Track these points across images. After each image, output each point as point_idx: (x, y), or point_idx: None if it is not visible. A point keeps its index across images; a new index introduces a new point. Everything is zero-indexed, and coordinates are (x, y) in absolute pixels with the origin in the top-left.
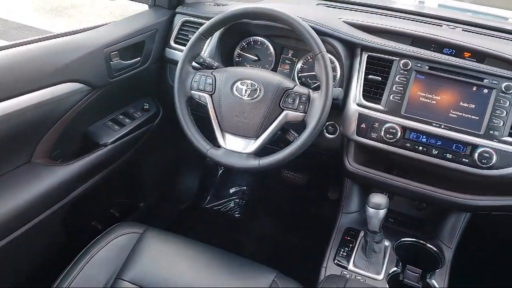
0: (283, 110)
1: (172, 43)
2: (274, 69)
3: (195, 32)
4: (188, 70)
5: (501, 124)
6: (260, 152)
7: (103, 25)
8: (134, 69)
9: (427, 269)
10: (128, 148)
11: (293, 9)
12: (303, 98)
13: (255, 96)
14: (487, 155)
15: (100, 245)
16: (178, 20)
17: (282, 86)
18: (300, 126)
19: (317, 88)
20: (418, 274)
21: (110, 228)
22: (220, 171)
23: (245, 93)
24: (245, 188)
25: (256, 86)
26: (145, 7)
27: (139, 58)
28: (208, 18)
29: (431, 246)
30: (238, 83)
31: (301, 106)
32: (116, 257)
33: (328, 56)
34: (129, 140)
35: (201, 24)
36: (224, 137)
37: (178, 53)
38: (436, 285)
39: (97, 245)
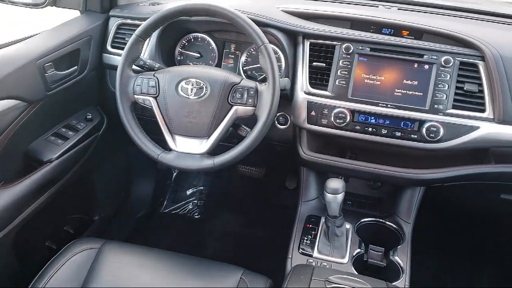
0: (232, 106)
1: (109, 48)
2: (218, 65)
3: (132, 34)
4: (129, 74)
5: (444, 98)
6: (214, 150)
7: (33, 35)
8: (72, 79)
9: (389, 247)
10: (75, 161)
11: (230, 2)
12: (251, 92)
13: (201, 94)
14: (434, 129)
15: (57, 265)
16: (113, 24)
17: (229, 82)
18: (251, 120)
19: (263, 80)
20: (381, 253)
21: (66, 246)
22: (175, 174)
23: (191, 92)
24: (202, 188)
25: (202, 84)
26: (76, 13)
27: (76, 67)
28: (144, 19)
29: (391, 224)
30: (183, 83)
31: (250, 100)
32: (75, 276)
33: (271, 46)
34: (75, 153)
35: (138, 26)
36: (174, 139)
37: (117, 57)
38: (399, 261)
39: (54, 266)
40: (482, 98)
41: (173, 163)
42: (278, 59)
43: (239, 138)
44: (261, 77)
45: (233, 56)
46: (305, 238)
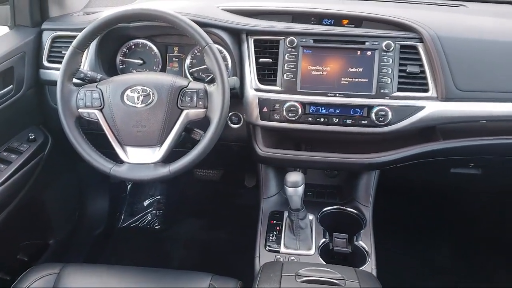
0: (182, 110)
1: (45, 63)
2: (163, 70)
3: (69, 47)
4: (70, 88)
5: (389, 82)
6: (168, 158)
7: None
8: (8, 99)
9: (352, 232)
10: (22, 185)
11: (168, 5)
12: (201, 94)
13: (149, 101)
14: (382, 113)
15: None
16: (47, 37)
17: (176, 86)
18: (204, 122)
19: (212, 81)
20: (345, 239)
21: (22, 275)
22: (129, 186)
23: (138, 100)
24: (159, 197)
25: (148, 91)
26: (5, 29)
27: (11, 86)
28: (80, 30)
29: (351, 209)
30: (128, 92)
31: (200, 102)
32: None
33: (216, 46)
34: (20, 177)
35: (74, 37)
36: (125, 151)
37: (55, 72)
38: (364, 245)
39: None
40: (425, 78)
41: (126, 176)
42: (224, 58)
43: (194, 142)
44: (208, 78)
45: (177, 59)
46: (271, 234)
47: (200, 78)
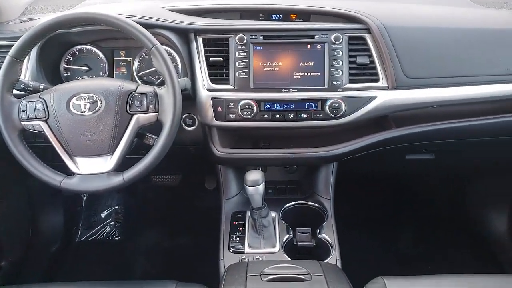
0: (132, 115)
1: None
2: (110, 75)
3: (6, 56)
4: (10, 100)
5: (340, 74)
6: (121, 166)
7: None
8: None
9: (315, 226)
10: None
11: (111, 7)
12: (150, 97)
13: (96, 109)
14: (336, 105)
15: None
16: None
17: (124, 90)
18: (156, 127)
19: (162, 83)
20: (308, 233)
21: None
22: (84, 198)
23: (85, 108)
24: (117, 207)
25: (95, 98)
26: None
27: None
28: (16, 38)
29: (313, 203)
30: (74, 100)
31: (150, 106)
32: None
33: (163, 47)
34: None
35: (10, 46)
36: (75, 162)
37: None
38: (327, 238)
39: None
40: (374, 68)
41: (78, 188)
42: (173, 60)
43: (148, 148)
44: (158, 81)
45: (124, 63)
46: (234, 236)
47: (150, 81)
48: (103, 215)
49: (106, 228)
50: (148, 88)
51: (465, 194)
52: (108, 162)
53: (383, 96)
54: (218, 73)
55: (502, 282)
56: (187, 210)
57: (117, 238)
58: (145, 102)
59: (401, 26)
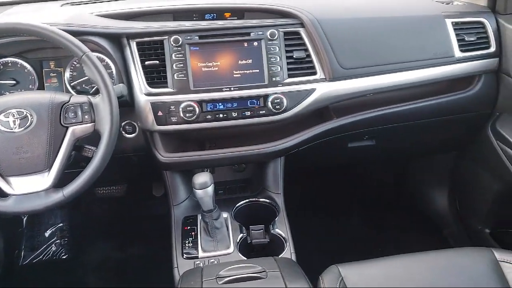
0: (67, 127)
1: None
2: (41, 88)
3: None
4: None
5: (279, 69)
6: (61, 182)
7: None
8: None
9: (268, 222)
10: None
11: (35, 16)
12: (85, 107)
13: (27, 124)
14: (278, 100)
15: None
16: None
17: (56, 102)
18: (94, 137)
19: (97, 92)
20: (261, 230)
21: None
22: (25, 219)
23: (14, 124)
24: (61, 224)
25: (25, 113)
26: None
27: None
28: None
29: (263, 199)
30: (1, 117)
31: (86, 117)
32: None
33: (95, 55)
34: None
35: None
36: (9, 182)
37: None
38: (280, 232)
39: None
40: (311, 62)
41: (15, 209)
42: (107, 66)
43: (87, 160)
44: (93, 90)
45: (55, 74)
46: (187, 241)
47: (84, 90)
48: (47, 234)
49: (51, 247)
50: (82, 98)
51: (406, 176)
52: (45, 179)
53: (322, 89)
54: (155, 77)
55: (449, 256)
56: (136, 219)
57: (64, 257)
58: (80, 113)
59: (333, 18)
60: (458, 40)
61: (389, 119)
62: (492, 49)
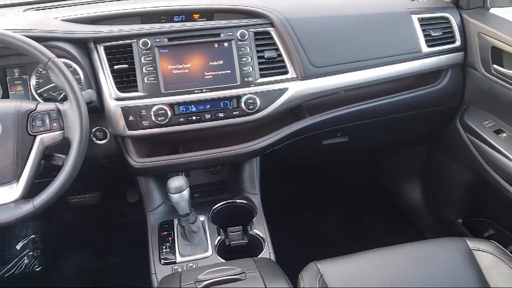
0: (35, 136)
1: None
2: (6, 96)
3: None
4: None
5: (251, 70)
6: (31, 192)
7: None
8: None
9: (246, 223)
10: None
11: None
12: (53, 115)
13: None
14: (251, 101)
15: None
16: None
17: (22, 111)
18: (64, 145)
19: (65, 99)
20: (239, 231)
21: None
22: None
23: None
24: (34, 236)
25: None
26: None
27: None
28: None
29: (240, 200)
30: None
31: (54, 124)
32: None
33: (61, 60)
34: None
35: None
36: None
37: None
38: (259, 233)
39: None
40: (282, 61)
41: None
42: (75, 72)
43: (58, 168)
44: (61, 96)
45: (20, 82)
46: (164, 247)
47: (52, 97)
48: (18, 246)
49: (23, 260)
50: (49, 106)
51: (380, 170)
52: (14, 190)
53: (294, 87)
54: (125, 81)
55: (424, 248)
56: (112, 227)
57: (38, 269)
58: (47, 121)
59: (303, 17)
60: (425, 36)
61: (361, 115)
62: (458, 43)
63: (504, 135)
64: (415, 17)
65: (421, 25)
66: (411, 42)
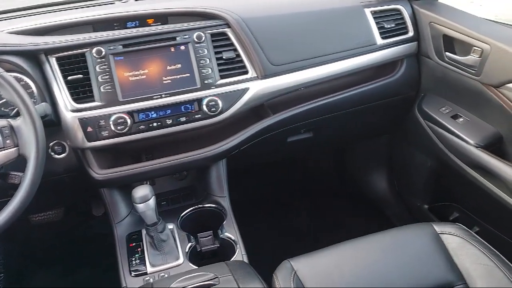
0: None
1: None
2: None
3: None
4: None
5: (210, 72)
6: None
7: None
8: None
9: (216, 227)
10: None
11: None
12: (6, 131)
13: None
14: (212, 103)
15: None
16: None
17: None
18: (20, 162)
19: (18, 114)
20: (210, 236)
21: None
22: None
23: None
24: None
25: None
26: None
27: None
28: None
29: (209, 205)
30: None
31: (8, 141)
32: None
33: (11, 75)
34: None
35: None
36: None
37: None
38: (230, 236)
39: None
40: (242, 61)
41: None
42: (26, 86)
43: (15, 187)
44: (14, 112)
45: None
46: (133, 258)
47: (3, 113)
48: None
49: None
50: (1, 122)
51: (346, 163)
52: None
53: (255, 87)
54: (80, 92)
55: (393, 235)
56: (78, 242)
57: None
58: (0, 138)
59: (258, 17)
60: (379, 28)
61: (323, 110)
62: (411, 33)
63: (461, 119)
64: (368, 11)
65: (374, 18)
66: (366, 35)
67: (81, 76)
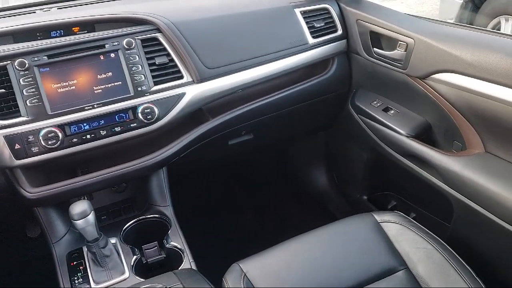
0: None
1: None
2: None
3: None
4: None
5: (143, 78)
6: None
7: None
8: None
9: (161, 237)
10: None
11: None
12: None
13: None
14: (148, 110)
15: None
16: None
17: None
18: None
19: None
20: (155, 247)
21: None
22: None
23: None
24: None
25: None
26: None
27: None
28: None
29: (152, 215)
30: None
31: None
32: None
33: None
34: None
35: None
36: None
37: None
38: (176, 244)
39: None
40: (176, 66)
41: None
42: None
43: None
44: None
45: None
46: (75, 277)
47: None
48: None
49: None
50: None
51: (287, 161)
52: None
53: (191, 91)
54: (4, 107)
55: (337, 228)
56: (14, 268)
57: None
58: None
59: (190, 20)
60: (309, 28)
61: (261, 111)
62: (339, 32)
63: (392, 112)
64: (297, 11)
65: (304, 17)
66: (297, 35)
67: (3, 90)
